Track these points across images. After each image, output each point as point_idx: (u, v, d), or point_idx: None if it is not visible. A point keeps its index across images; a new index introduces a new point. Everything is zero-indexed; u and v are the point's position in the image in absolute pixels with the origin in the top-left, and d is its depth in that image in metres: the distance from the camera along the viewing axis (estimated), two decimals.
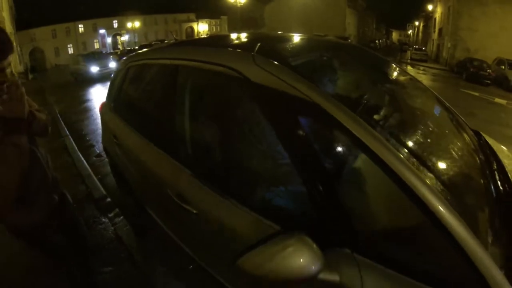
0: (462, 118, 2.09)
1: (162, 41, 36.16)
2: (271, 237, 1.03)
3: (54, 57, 47.10)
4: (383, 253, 1.03)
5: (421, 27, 51.97)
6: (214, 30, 67.29)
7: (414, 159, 1.11)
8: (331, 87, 1.47)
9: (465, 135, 1.81)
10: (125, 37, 56.18)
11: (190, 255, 2.00)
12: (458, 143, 1.63)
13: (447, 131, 1.76)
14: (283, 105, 1.22)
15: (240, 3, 25.68)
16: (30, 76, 22.85)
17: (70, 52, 49.20)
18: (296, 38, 2.04)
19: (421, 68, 23.69)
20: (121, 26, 56.27)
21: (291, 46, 1.82)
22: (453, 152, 1.48)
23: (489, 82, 16.88)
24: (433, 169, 1.18)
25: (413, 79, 2.21)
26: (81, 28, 52.31)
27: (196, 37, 49.80)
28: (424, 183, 0.95)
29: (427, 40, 41.23)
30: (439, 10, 31.86)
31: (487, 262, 0.89)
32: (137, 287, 2.29)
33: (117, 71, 2.86)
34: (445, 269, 0.96)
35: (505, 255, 1.05)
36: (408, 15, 73.09)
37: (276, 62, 1.31)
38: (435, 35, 33.80)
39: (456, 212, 0.93)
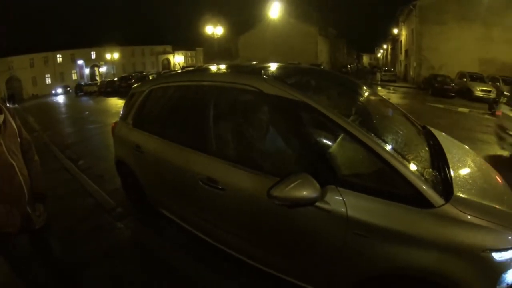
0: (412, 117, 2.94)
1: (141, 72, 36.15)
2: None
3: (31, 87, 46.51)
4: (355, 184, 1.69)
5: (389, 49, 54.99)
6: (190, 61, 67.99)
7: (372, 134, 1.80)
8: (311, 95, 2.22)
9: (412, 125, 2.68)
10: (103, 69, 55.97)
11: (209, 242, 2.56)
12: (407, 128, 2.52)
13: (398, 122, 2.63)
14: (284, 104, 1.95)
15: (217, 35, 26.35)
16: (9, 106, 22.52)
17: (47, 82, 48.74)
18: (282, 66, 2.92)
19: (391, 88, 24.85)
20: (99, 57, 56.29)
21: (283, 70, 2.69)
22: (402, 132, 2.35)
23: (453, 94, 18.26)
24: (387, 140, 1.92)
25: (371, 90, 3.13)
26: (59, 58, 52.32)
27: (173, 69, 51.15)
28: (377, 144, 1.66)
29: (395, 61, 43.65)
30: (404, 33, 34.22)
31: (418, 183, 1.57)
32: (162, 278, 2.65)
33: (133, 95, 3.43)
34: (392, 188, 1.63)
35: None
36: (377, 39, 77.46)
37: (278, 80, 2.07)
38: (402, 56, 36.02)
39: (398, 157, 1.64)
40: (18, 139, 1.81)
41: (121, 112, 3.64)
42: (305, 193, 1.57)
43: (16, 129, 1.80)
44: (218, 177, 2.17)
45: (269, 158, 2.10)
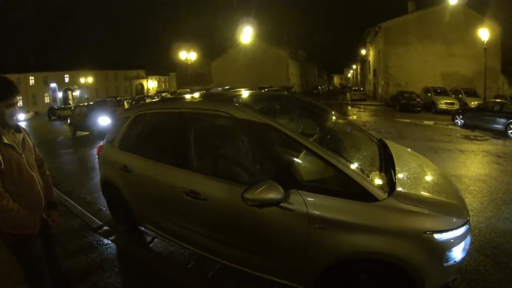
0: (370, 133, 3.49)
1: (115, 97, 36.38)
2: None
3: None
4: (313, 187, 2.07)
5: (358, 69, 57.32)
6: (163, 86, 67.80)
7: (328, 149, 2.21)
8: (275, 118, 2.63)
9: (369, 139, 3.18)
10: (76, 92, 54.70)
11: (190, 250, 2.84)
12: (363, 142, 3.03)
13: (356, 137, 3.14)
14: (252, 126, 2.33)
15: (190, 60, 26.70)
16: None
17: (19, 104, 46.96)
18: (251, 93, 3.36)
19: (361, 107, 25.64)
20: (72, 81, 55.14)
21: (251, 98, 3.09)
22: (357, 145, 2.84)
23: (419, 109, 19.33)
24: (343, 152, 2.39)
25: (332, 111, 3.63)
26: (31, 80, 50.89)
27: (146, 93, 52.06)
28: (328, 154, 2.08)
29: (364, 80, 45.38)
30: (371, 53, 35.91)
31: (364, 182, 1.96)
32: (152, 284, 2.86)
33: (120, 120, 3.70)
34: (343, 188, 2.01)
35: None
36: (347, 60, 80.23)
37: (247, 106, 2.51)
38: (370, 76, 37.61)
39: (347, 163, 2.07)
40: (34, 155, 2.07)
41: (106, 136, 3.85)
42: (271, 195, 1.94)
43: (32, 146, 2.07)
44: (200, 189, 2.49)
45: (242, 170, 2.48)
